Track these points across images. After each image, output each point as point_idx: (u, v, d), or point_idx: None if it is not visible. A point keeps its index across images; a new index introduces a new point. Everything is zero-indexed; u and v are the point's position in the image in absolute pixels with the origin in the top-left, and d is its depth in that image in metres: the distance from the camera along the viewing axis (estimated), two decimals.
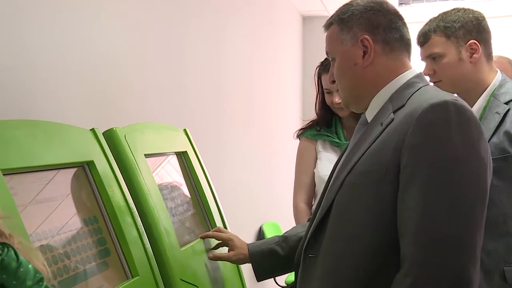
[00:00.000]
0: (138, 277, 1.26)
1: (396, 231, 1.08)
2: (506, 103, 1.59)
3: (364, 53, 1.20)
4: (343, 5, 1.26)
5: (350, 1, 1.26)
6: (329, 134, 2.15)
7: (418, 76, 1.23)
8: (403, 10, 4.95)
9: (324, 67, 2.15)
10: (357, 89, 1.25)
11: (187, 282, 1.48)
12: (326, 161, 2.11)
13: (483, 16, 1.67)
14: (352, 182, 1.16)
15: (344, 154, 1.31)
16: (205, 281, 1.60)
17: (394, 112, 1.15)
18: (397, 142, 1.08)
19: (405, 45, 1.24)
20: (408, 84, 1.20)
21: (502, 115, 1.58)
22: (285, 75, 4.46)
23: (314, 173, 2.15)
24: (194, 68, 2.48)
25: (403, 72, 1.22)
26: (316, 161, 2.15)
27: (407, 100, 1.15)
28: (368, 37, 1.19)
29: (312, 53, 4.88)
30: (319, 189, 2.13)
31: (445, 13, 1.67)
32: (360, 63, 1.21)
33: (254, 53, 3.46)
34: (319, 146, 2.16)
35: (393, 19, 1.22)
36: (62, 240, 1.13)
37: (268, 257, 1.57)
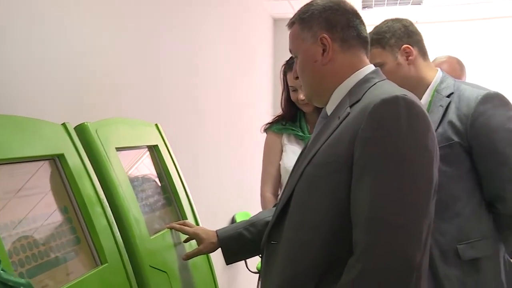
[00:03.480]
0: (107, 264, 1.25)
1: (350, 222, 1.10)
2: (448, 96, 1.67)
3: (324, 50, 1.22)
4: (304, 5, 1.28)
5: (311, 1, 1.28)
6: (294, 128, 2.18)
7: (375, 72, 1.25)
8: (366, 14, 5.03)
9: (289, 65, 2.17)
10: (318, 85, 1.26)
11: (156, 268, 1.47)
12: (291, 153, 2.14)
13: (410, 22, 1.76)
14: (311, 173, 1.18)
15: (306, 147, 1.32)
16: (175, 267, 1.60)
17: (351, 106, 1.16)
18: (351, 135, 1.10)
19: (362, 42, 1.26)
20: (365, 79, 1.21)
21: (445, 107, 1.65)
22: (257, 73, 4.46)
23: (280, 164, 2.18)
24: (168, 64, 2.46)
25: (361, 68, 1.24)
26: (281, 154, 2.19)
27: (363, 94, 1.17)
28: (327, 36, 1.21)
29: (282, 53, 4.88)
30: (285, 179, 2.16)
31: (376, 26, 1.77)
32: (319, 60, 1.22)
33: (227, 52, 3.46)
34: (285, 139, 2.19)
35: (351, 18, 1.24)
36: (31, 229, 1.11)
37: (236, 241, 1.57)
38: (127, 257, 1.34)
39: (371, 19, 5.29)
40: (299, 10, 1.28)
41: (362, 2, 4.60)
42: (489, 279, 1.61)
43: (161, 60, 2.38)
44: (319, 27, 1.22)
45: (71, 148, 1.30)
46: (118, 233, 1.34)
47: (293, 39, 1.28)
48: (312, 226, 1.15)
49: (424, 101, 1.71)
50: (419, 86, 1.72)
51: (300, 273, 1.16)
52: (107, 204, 1.34)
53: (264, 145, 2.26)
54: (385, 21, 1.76)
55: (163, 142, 1.83)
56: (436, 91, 1.70)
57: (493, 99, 1.60)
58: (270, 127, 2.24)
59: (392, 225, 1.03)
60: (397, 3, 4.65)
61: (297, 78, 1.31)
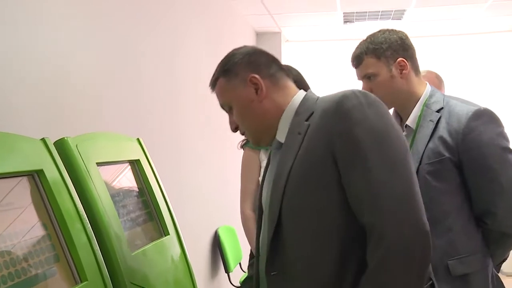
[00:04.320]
0: (86, 281, 1.23)
1: (353, 219, 1.12)
2: (437, 111, 1.67)
3: (256, 90, 1.26)
4: (222, 60, 1.33)
5: (227, 55, 1.33)
6: (271, 144, 2.16)
7: (310, 92, 1.31)
8: (347, 28, 5.10)
9: None
10: (262, 122, 1.29)
11: (137, 285, 1.45)
12: None
13: (406, 35, 1.75)
14: (295, 189, 1.17)
15: (267, 177, 1.33)
16: (157, 284, 1.58)
17: (307, 120, 1.20)
18: (324, 137, 1.14)
19: (286, 73, 1.33)
20: (307, 98, 1.27)
21: (435, 122, 1.65)
22: None
23: (258, 180, 2.16)
24: (150, 78, 2.45)
25: (296, 93, 1.29)
26: (260, 169, 2.17)
27: (314, 107, 1.22)
28: (255, 75, 1.26)
29: None
30: None
31: (372, 35, 1.74)
32: (255, 99, 1.26)
33: (210, 66, 3.44)
34: (262, 155, 2.18)
35: (267, 55, 1.32)
36: (8, 247, 1.08)
37: None
38: (108, 274, 1.32)
39: (353, 34, 5.39)
40: (218, 66, 1.33)
41: (344, 17, 4.66)
42: None
43: (142, 74, 2.37)
44: (244, 70, 1.27)
45: (50, 163, 1.28)
46: (99, 249, 1.31)
47: (222, 93, 1.31)
48: (315, 237, 1.16)
49: (413, 115, 1.71)
50: (409, 100, 1.72)
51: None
52: (87, 220, 1.32)
53: (242, 161, 2.23)
54: (381, 31, 1.75)
55: (145, 157, 1.81)
56: (426, 105, 1.70)
57: (483, 115, 1.61)
58: (246, 143, 2.23)
59: (395, 199, 1.08)
60: (378, 18, 4.72)
61: (236, 129, 1.33)
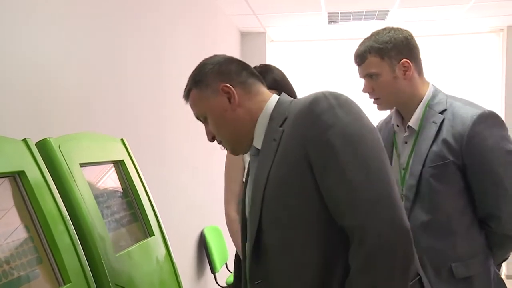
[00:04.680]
0: (70, 283, 1.21)
1: (334, 224, 1.11)
2: (441, 112, 1.64)
3: (229, 98, 1.26)
4: (193, 71, 1.34)
5: (198, 66, 1.34)
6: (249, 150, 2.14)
7: (283, 95, 1.30)
8: (331, 28, 5.12)
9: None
10: (237, 131, 1.28)
11: (122, 287, 1.43)
12: None
13: (411, 35, 1.70)
14: (273, 196, 1.17)
15: (248, 184, 1.32)
16: (142, 285, 1.56)
17: (281, 125, 1.20)
18: (298, 142, 1.14)
19: (257, 78, 1.32)
20: (280, 103, 1.26)
21: (438, 124, 1.62)
22: None
23: (242, 181, 2.15)
24: (134, 78, 2.43)
25: (269, 99, 1.28)
26: (244, 170, 2.15)
27: (287, 112, 1.21)
28: (226, 84, 1.26)
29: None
30: None
31: (377, 33, 1.69)
32: (229, 108, 1.26)
33: (194, 66, 3.44)
34: (246, 156, 2.16)
35: (238, 63, 1.32)
36: None
37: None
38: (92, 276, 1.30)
39: (337, 34, 5.41)
40: (189, 78, 1.34)
41: (328, 17, 4.68)
42: None
43: (127, 73, 2.35)
44: (215, 80, 1.27)
45: (32, 164, 1.26)
46: (82, 251, 1.30)
47: (196, 104, 1.31)
48: (299, 246, 1.15)
49: (416, 116, 1.68)
50: (411, 101, 1.69)
51: None
52: (71, 221, 1.30)
53: (226, 162, 2.21)
54: (386, 29, 1.70)
55: (129, 157, 1.79)
56: (429, 106, 1.67)
57: (488, 118, 1.59)
58: None
59: (372, 199, 1.07)
60: (362, 18, 4.75)
61: (213, 139, 1.33)
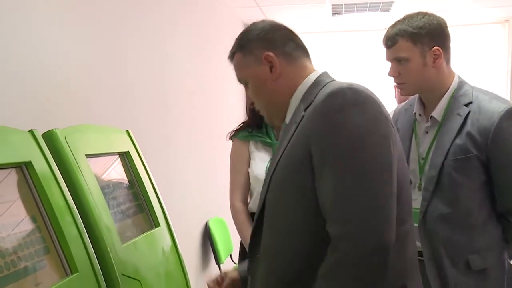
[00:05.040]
0: (77, 273, 1.22)
1: (324, 222, 1.09)
2: (466, 105, 1.62)
3: (271, 68, 1.23)
4: (239, 34, 1.31)
5: (245, 29, 1.30)
6: (260, 135, 2.15)
7: (323, 75, 1.26)
8: (335, 20, 5.09)
9: None
10: (274, 101, 1.27)
11: (129, 277, 1.44)
12: (259, 161, 2.12)
13: (446, 23, 1.66)
14: (277, 179, 1.18)
15: (273, 157, 1.33)
16: (148, 276, 1.58)
17: (305, 110, 1.17)
18: (306, 135, 1.11)
19: (303, 51, 1.29)
20: (315, 83, 1.22)
21: (463, 117, 1.60)
22: (228, 78, 4.45)
23: (248, 172, 2.15)
24: (138, 70, 2.43)
25: (309, 74, 1.25)
26: (249, 161, 2.15)
27: (315, 97, 1.17)
28: (270, 53, 1.23)
29: None
30: (254, 187, 2.14)
31: (411, 17, 1.64)
32: (269, 78, 1.24)
33: (197, 58, 3.44)
34: (252, 147, 2.16)
35: (285, 33, 1.28)
36: None
37: None
38: (99, 266, 1.31)
39: (341, 26, 5.38)
40: (236, 40, 1.31)
41: (332, 8, 4.65)
42: (494, 286, 1.64)
43: (131, 66, 2.35)
44: (259, 48, 1.24)
45: (38, 155, 1.26)
46: (89, 241, 1.31)
47: (238, 68, 1.30)
48: (288, 233, 1.14)
49: (440, 106, 1.66)
50: (437, 90, 1.66)
51: (281, 282, 1.15)
52: (77, 212, 1.31)
53: (231, 153, 2.21)
54: (420, 13, 1.64)
55: (134, 149, 1.80)
56: (454, 98, 1.64)
57: None
58: (235, 135, 2.20)
59: (357, 211, 1.03)
60: (366, 10, 4.73)
61: (252, 104, 1.32)
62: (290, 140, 1.16)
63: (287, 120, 1.25)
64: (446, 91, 1.66)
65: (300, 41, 1.30)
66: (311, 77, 1.24)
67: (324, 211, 1.08)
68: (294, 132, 1.16)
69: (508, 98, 4.95)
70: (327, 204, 1.07)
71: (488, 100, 1.61)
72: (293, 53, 1.25)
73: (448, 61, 1.68)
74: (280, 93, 1.25)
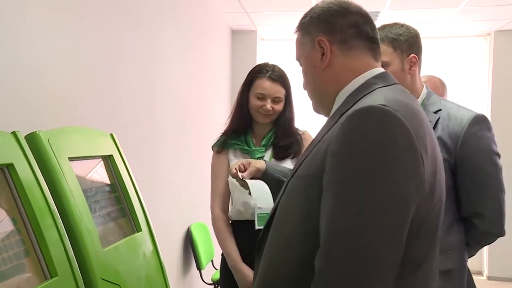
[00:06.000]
0: (57, 277, 1.21)
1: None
2: (435, 112, 1.71)
3: (322, 55, 1.11)
4: (308, 11, 1.19)
5: (314, 5, 1.18)
6: (238, 143, 2.16)
7: (378, 77, 1.10)
8: None
9: (259, 70, 2.13)
10: (320, 92, 1.16)
11: (108, 281, 1.44)
12: None
13: (419, 34, 1.77)
14: (291, 188, 1.09)
15: None
16: (128, 280, 1.57)
17: (342, 115, 1.02)
18: (326, 148, 0.99)
19: (369, 43, 1.13)
20: (365, 85, 1.08)
21: (434, 122, 1.69)
22: (214, 84, 4.46)
23: (228, 181, 2.16)
24: (124, 74, 2.43)
25: (364, 72, 1.11)
26: (228, 169, 2.16)
27: (354, 103, 1.04)
28: (324, 38, 1.11)
29: (239, 64, 4.92)
30: (233, 195, 2.15)
31: (390, 26, 1.74)
32: (318, 65, 1.12)
33: (184, 63, 3.44)
34: (231, 155, 2.17)
35: (353, 19, 1.12)
36: None
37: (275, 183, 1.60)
38: (79, 270, 1.30)
39: None
40: (302, 15, 1.19)
41: None
42: (457, 287, 1.71)
43: (117, 69, 2.35)
44: (317, 30, 1.12)
45: (21, 157, 1.26)
46: (70, 245, 1.30)
47: (296, 46, 1.20)
48: (287, 245, 1.06)
49: None
50: None
51: (272, 284, 1.08)
52: (59, 215, 1.30)
53: (211, 162, 2.22)
54: (397, 24, 1.74)
55: (118, 152, 1.79)
56: (423, 105, 1.73)
57: (482, 121, 1.68)
58: (215, 144, 2.22)
59: (347, 251, 0.89)
60: None
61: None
62: (315, 147, 1.06)
63: (330, 115, 1.14)
64: (417, 99, 1.75)
65: (371, 31, 1.14)
66: (364, 76, 1.10)
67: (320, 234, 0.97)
68: (321, 139, 1.05)
69: (488, 110, 5.04)
70: (321, 233, 0.95)
71: (456, 108, 1.71)
72: (352, 43, 1.11)
73: (419, 71, 1.78)
74: (326, 85, 1.13)
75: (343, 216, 0.91)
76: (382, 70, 1.13)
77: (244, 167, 1.66)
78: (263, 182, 1.63)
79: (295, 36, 1.23)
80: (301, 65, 1.20)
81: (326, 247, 0.92)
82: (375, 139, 0.92)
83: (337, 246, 0.91)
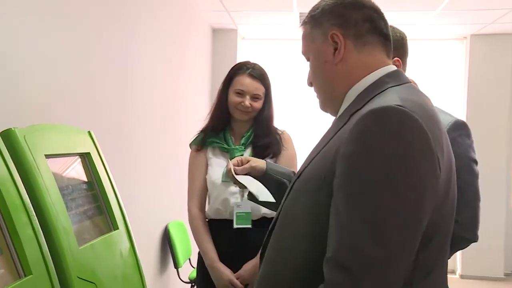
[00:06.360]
0: (31, 275, 1.20)
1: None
2: None
3: (335, 49, 1.07)
4: (317, 4, 1.14)
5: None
6: (217, 141, 2.16)
7: (391, 75, 1.07)
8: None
9: (239, 67, 2.14)
10: (330, 89, 1.11)
11: (84, 280, 1.43)
12: (217, 167, 2.13)
13: (406, 36, 1.72)
14: (297, 189, 1.06)
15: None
16: (104, 278, 1.56)
17: (352, 115, 0.99)
18: (337, 150, 0.95)
19: (382, 40, 1.10)
20: (377, 84, 1.05)
21: None
22: (195, 82, 4.45)
23: (206, 179, 2.16)
24: (103, 71, 2.40)
25: (377, 69, 1.07)
26: (207, 168, 2.16)
27: (366, 103, 1.00)
28: (338, 32, 1.06)
29: (220, 63, 4.92)
30: (212, 193, 2.15)
31: None
32: (330, 60, 1.08)
33: (164, 60, 3.43)
34: (209, 153, 2.17)
35: (367, 13, 1.08)
36: None
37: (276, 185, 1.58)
38: (54, 268, 1.29)
39: None
40: (312, 8, 1.13)
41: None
42: None
43: (95, 66, 2.33)
44: (329, 23, 1.07)
45: None
46: (45, 243, 1.29)
47: (304, 40, 1.14)
48: (291, 249, 1.02)
49: None
50: None
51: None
52: (34, 212, 1.29)
53: (189, 160, 2.21)
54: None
55: (95, 150, 1.78)
56: None
57: (461, 127, 1.68)
58: (193, 142, 2.21)
59: (359, 258, 0.86)
60: None
61: (311, 84, 1.17)
62: (323, 148, 1.03)
63: (338, 115, 1.10)
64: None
65: (384, 27, 1.10)
66: (376, 74, 1.06)
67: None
68: (330, 139, 1.02)
69: (464, 113, 5.14)
70: (329, 238, 0.92)
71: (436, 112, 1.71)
72: (366, 39, 1.07)
73: (404, 72, 1.75)
74: (337, 81, 1.09)
75: (351, 224, 0.87)
76: (394, 68, 1.10)
77: (241, 163, 1.64)
78: (253, 178, 1.60)
79: (293, 33, 1.19)
80: (308, 59, 1.15)
81: (336, 252, 0.89)
82: (391, 141, 0.88)
83: (349, 252, 0.87)
